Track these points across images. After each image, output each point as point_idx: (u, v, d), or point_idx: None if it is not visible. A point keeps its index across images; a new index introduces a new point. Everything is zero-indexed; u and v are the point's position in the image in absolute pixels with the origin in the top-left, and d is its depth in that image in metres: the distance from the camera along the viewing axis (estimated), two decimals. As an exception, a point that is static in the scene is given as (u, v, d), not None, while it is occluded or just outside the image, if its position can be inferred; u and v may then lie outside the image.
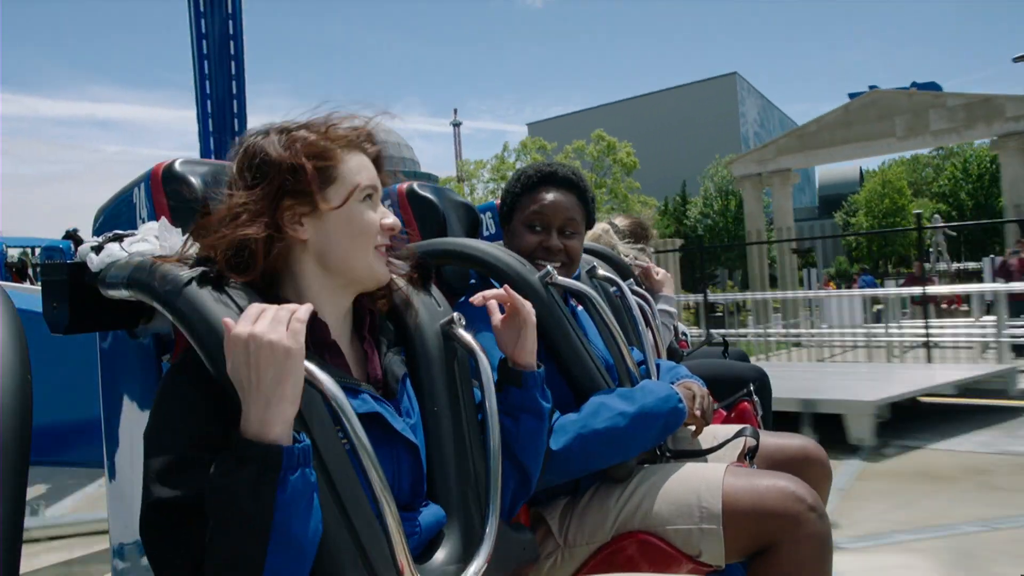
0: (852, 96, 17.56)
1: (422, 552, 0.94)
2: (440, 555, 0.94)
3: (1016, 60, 15.76)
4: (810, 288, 12.69)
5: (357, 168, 0.98)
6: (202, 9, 4.06)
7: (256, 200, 0.92)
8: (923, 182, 39.18)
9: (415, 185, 1.72)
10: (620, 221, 2.87)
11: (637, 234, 2.86)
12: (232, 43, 4.15)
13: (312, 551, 0.76)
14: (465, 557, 0.94)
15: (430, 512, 0.96)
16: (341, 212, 0.95)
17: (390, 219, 1.00)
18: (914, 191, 37.00)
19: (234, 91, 4.18)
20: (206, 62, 4.11)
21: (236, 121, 4.17)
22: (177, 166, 1.19)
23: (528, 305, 1.13)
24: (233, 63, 4.15)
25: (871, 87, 17.23)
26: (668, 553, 1.24)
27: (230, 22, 4.12)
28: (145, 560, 1.21)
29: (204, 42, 4.10)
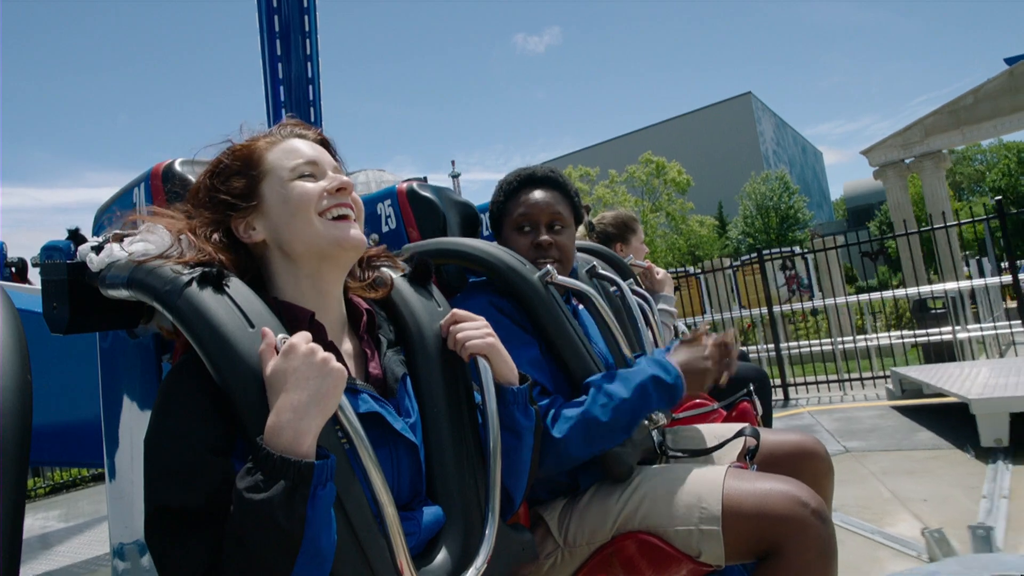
0: (1010, 61, 15.13)
1: (422, 552, 0.94)
2: (440, 555, 0.93)
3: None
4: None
5: (284, 153, 0.99)
6: (279, 53, 4.18)
7: (204, 223, 0.97)
8: (970, 180, 37.17)
9: (415, 185, 1.72)
10: (599, 219, 2.72)
11: (620, 228, 2.72)
12: (310, 87, 4.30)
13: (332, 558, 0.77)
14: (465, 557, 0.94)
15: (430, 512, 0.96)
16: (276, 197, 0.96)
17: (335, 181, 0.98)
18: (955, 193, 35.80)
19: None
20: (282, 110, 4.28)
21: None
22: (177, 166, 1.19)
23: (477, 322, 1.07)
24: (312, 109, 4.38)
25: (1032, 48, 15.49)
26: (668, 554, 1.24)
27: (308, 63, 4.24)
28: (145, 560, 1.22)
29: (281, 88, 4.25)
